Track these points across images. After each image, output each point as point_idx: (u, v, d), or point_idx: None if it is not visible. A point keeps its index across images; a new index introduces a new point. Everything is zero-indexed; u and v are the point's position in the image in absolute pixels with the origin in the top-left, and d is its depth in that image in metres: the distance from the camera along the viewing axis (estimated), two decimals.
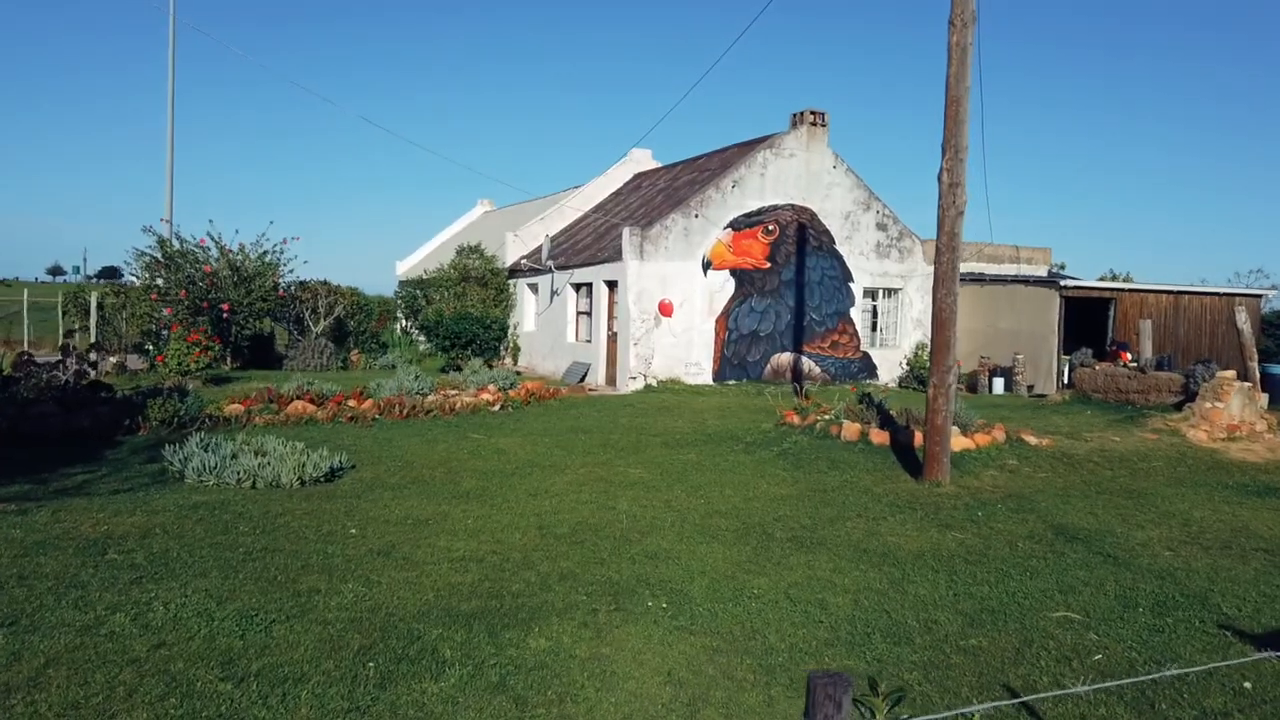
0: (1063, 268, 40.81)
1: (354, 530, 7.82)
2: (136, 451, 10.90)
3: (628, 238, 19.82)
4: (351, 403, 14.89)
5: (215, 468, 9.33)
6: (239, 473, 9.31)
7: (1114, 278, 41.31)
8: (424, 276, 28.66)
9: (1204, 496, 10.85)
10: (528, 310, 26.52)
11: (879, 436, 12.35)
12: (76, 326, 21.15)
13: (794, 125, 21.55)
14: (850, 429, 12.55)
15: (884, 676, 5.28)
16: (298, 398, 14.64)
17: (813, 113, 21.40)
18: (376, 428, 13.46)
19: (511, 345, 27.14)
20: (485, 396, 16.26)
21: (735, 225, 20.74)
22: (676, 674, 5.09)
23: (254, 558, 6.86)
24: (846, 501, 9.88)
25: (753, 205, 20.87)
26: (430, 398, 16.21)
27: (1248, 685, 5.43)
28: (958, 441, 12.23)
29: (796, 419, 13.64)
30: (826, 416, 13.33)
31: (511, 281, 27.46)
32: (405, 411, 14.34)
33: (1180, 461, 12.89)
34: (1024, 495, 10.44)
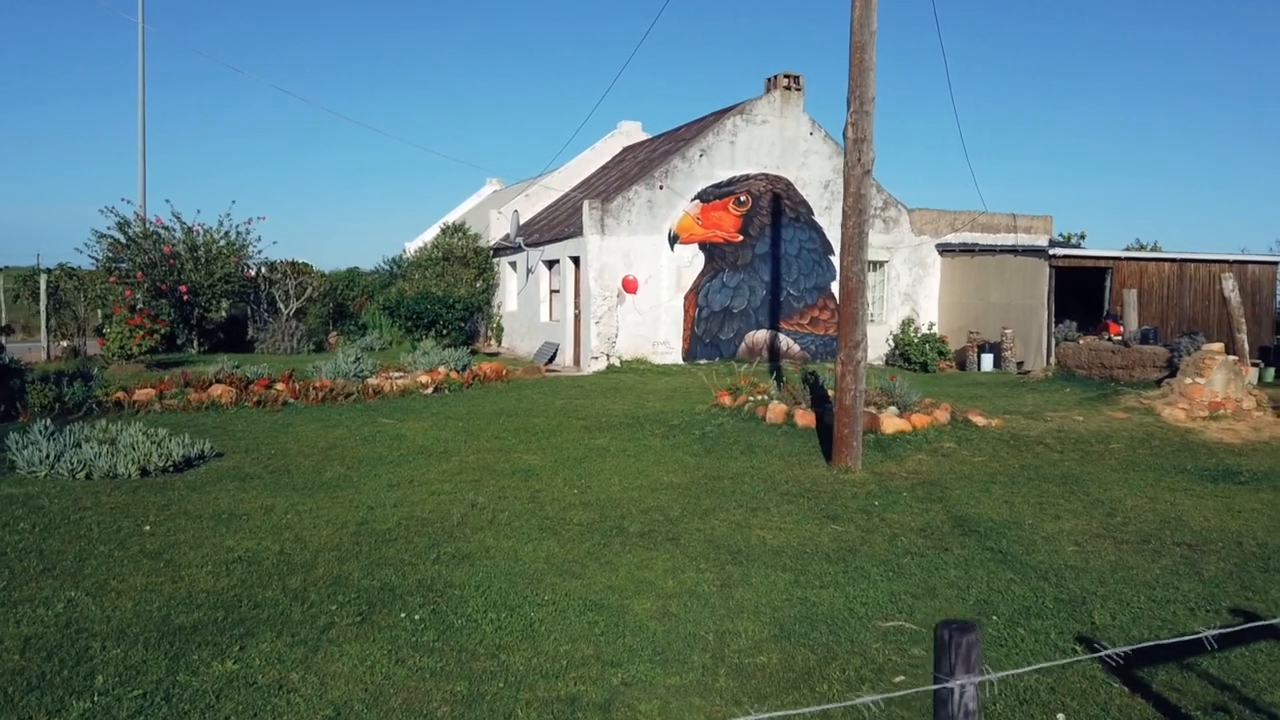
0: (1083, 237, 39.09)
1: (148, 528, 7.15)
2: None
3: (587, 211, 18.96)
4: (280, 386, 14.30)
5: (49, 458, 8.73)
6: (74, 463, 8.71)
7: (1141, 247, 39.39)
8: (401, 256, 28.08)
9: (1150, 482, 9.80)
10: (510, 290, 25.81)
11: (804, 418, 11.43)
12: None
13: (767, 90, 20.46)
14: (775, 410, 11.65)
15: (616, 706, 4.47)
16: (218, 381, 14.08)
17: (787, 76, 20.29)
18: (285, 412, 12.83)
19: (496, 326, 26.49)
20: (422, 379, 15.59)
21: (704, 197, 19.76)
22: (350, 707, 4.31)
23: None
24: (737, 490, 9.02)
25: (722, 175, 19.87)
26: (371, 380, 15.60)
27: (1061, 717, 4.52)
28: (892, 423, 11.29)
29: (728, 400, 12.75)
30: (758, 397, 12.43)
31: (496, 260, 26.77)
32: (322, 395, 13.69)
33: (1144, 443, 11.80)
34: (941, 482, 9.48)
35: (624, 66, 28.25)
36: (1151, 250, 35.72)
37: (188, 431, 10.71)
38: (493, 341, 26.46)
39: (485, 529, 7.47)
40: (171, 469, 9.11)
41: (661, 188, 19.42)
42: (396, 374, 16.34)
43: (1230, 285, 14.44)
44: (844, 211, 9.58)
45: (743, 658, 5.13)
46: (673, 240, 19.59)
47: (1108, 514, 8.48)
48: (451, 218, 42.97)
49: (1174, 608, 6.12)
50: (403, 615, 5.49)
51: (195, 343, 22.02)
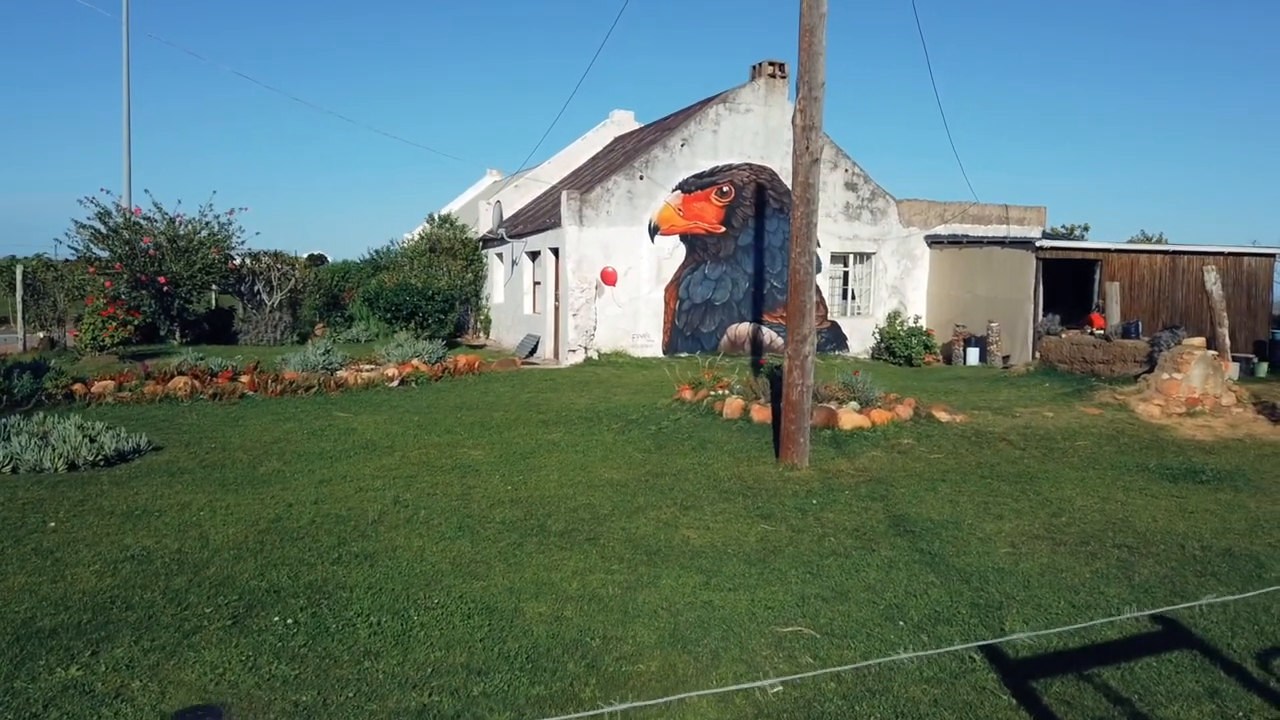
0: (1086, 229, 38.61)
1: (52, 524, 7.00)
2: None
3: (565, 202, 18.74)
4: (243, 378, 14.18)
5: None
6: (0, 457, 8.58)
7: (1147, 240, 38.81)
8: (390, 247, 27.95)
9: (1108, 481, 9.52)
10: (497, 282, 25.64)
11: (760, 413, 11.20)
12: None
13: (752, 78, 20.16)
14: (732, 405, 11.42)
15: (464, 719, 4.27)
16: (180, 373, 13.96)
17: (772, 64, 19.99)
18: (240, 406, 12.69)
19: (484, 318, 26.33)
20: (389, 371, 15.44)
21: (685, 187, 19.50)
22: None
23: None
24: (675, 488, 8.80)
25: (705, 165, 19.60)
26: (338, 373, 15.48)
27: None
28: (850, 419, 11.06)
29: (690, 394, 12.53)
30: (718, 392, 12.21)
31: (484, 252, 26.59)
32: (282, 388, 13.55)
33: (1112, 440, 11.51)
34: (889, 480, 9.23)
35: (604, 41, 28.13)
36: (1156, 243, 35.19)
37: (135, 424, 10.61)
38: (481, 334, 26.32)
39: (400, 527, 7.28)
40: (102, 463, 8.97)
41: (641, 178, 19.16)
42: (367, 366, 16.20)
43: (1212, 278, 14.09)
44: (793, 202, 9.33)
45: (621, 665, 4.92)
46: (653, 231, 19.35)
47: (1053, 514, 8.22)
48: (450, 209, 42.86)
49: (1092, 613, 5.87)
50: (277, 619, 5.30)
51: (178, 334, 21.93)
